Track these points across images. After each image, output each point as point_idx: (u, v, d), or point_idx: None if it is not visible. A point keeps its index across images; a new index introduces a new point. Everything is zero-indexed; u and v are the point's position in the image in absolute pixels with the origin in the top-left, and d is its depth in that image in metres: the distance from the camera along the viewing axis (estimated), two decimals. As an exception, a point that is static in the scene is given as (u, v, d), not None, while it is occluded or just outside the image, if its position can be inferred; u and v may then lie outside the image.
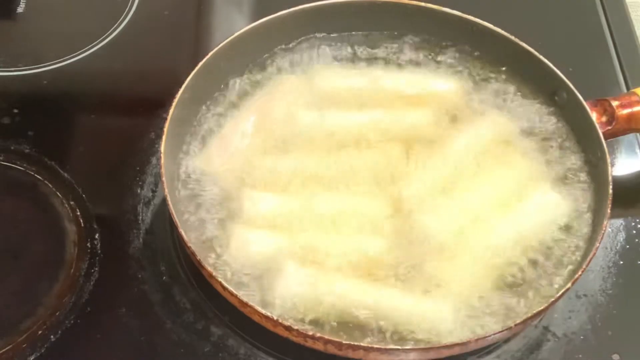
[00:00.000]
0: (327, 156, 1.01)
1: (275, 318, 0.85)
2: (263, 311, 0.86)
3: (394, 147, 1.02)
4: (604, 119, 1.04)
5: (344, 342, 0.85)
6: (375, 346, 0.87)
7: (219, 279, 0.88)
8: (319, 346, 0.87)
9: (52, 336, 0.93)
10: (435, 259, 0.94)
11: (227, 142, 1.02)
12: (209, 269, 0.89)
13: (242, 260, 0.93)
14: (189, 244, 0.90)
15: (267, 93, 1.07)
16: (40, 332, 0.93)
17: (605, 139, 1.01)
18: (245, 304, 0.87)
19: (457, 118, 1.06)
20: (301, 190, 0.98)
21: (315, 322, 0.89)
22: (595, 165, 1.01)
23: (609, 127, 1.04)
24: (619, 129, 1.04)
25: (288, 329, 0.86)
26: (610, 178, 0.97)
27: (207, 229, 0.96)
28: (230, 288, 0.87)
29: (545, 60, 1.07)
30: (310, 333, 0.85)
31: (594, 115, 1.03)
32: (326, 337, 0.85)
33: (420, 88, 1.09)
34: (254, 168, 1.00)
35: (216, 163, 1.00)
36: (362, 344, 0.86)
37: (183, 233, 0.90)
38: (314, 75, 1.09)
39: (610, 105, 1.04)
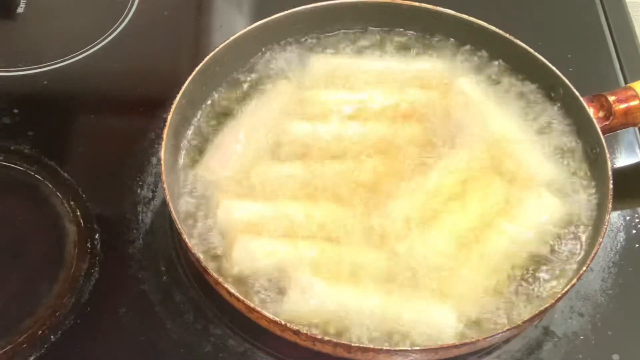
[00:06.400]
0: (320, 167, 1.01)
1: (283, 323, 0.86)
2: (271, 316, 0.86)
3: (385, 159, 1.02)
4: (601, 114, 1.04)
5: (353, 344, 0.86)
6: (385, 347, 0.87)
7: (226, 286, 0.88)
8: (328, 349, 0.87)
9: (52, 336, 0.93)
10: (437, 268, 0.94)
11: (225, 148, 1.02)
12: (215, 275, 0.89)
13: (244, 265, 0.93)
14: (194, 251, 0.90)
15: (263, 97, 1.08)
16: (40, 332, 0.93)
17: (604, 133, 1.01)
18: (253, 310, 0.87)
19: (452, 128, 1.06)
20: (298, 200, 0.98)
21: (319, 327, 0.90)
22: (594, 160, 1.02)
23: (607, 122, 1.04)
24: (617, 123, 1.05)
25: (296, 333, 0.86)
26: (610, 173, 0.97)
27: (209, 234, 0.96)
28: (237, 294, 0.87)
29: (541, 57, 1.07)
30: (319, 336, 0.85)
31: (591, 111, 1.03)
32: (335, 340, 0.86)
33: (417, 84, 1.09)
34: (251, 176, 1.00)
35: (215, 169, 1.01)
36: (371, 345, 0.87)
37: (187, 240, 0.90)
38: (308, 80, 1.09)
39: (607, 100, 1.04)
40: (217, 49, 1.06)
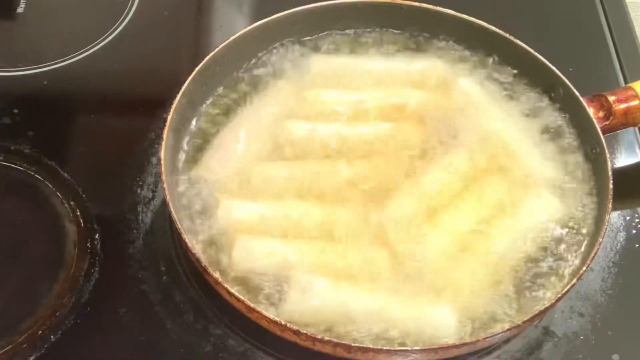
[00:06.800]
0: (320, 167, 1.01)
1: (283, 323, 0.86)
2: (271, 316, 0.86)
3: (385, 159, 1.02)
4: (601, 114, 1.04)
5: (353, 344, 0.86)
6: (385, 347, 0.87)
7: (226, 286, 0.88)
8: (328, 349, 0.87)
9: (52, 336, 0.93)
10: (436, 268, 0.94)
11: (225, 148, 1.02)
12: (215, 275, 0.89)
13: (244, 265, 0.93)
14: (194, 251, 0.90)
15: (263, 97, 1.08)
16: (40, 332, 0.93)
17: (604, 133, 1.01)
18: (253, 310, 0.87)
19: (453, 128, 1.05)
20: (298, 200, 0.98)
21: (319, 327, 0.90)
22: (594, 160, 1.02)
23: (607, 122, 1.04)
24: (617, 123, 1.05)
25: (296, 333, 0.86)
26: (610, 173, 0.97)
27: (209, 234, 0.96)
28: (237, 294, 0.87)
29: (541, 57, 1.07)
30: (319, 336, 0.85)
31: (591, 111, 1.03)
32: (335, 340, 0.86)
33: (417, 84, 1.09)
34: (251, 176, 1.00)
35: (215, 169, 1.01)
36: (371, 345, 0.87)
37: (187, 240, 0.90)
38: (308, 80, 1.09)
39: (607, 100, 1.04)
40: (217, 49, 1.06)
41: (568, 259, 0.96)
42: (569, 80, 1.05)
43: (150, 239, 1.02)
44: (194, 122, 1.05)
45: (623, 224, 1.06)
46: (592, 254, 0.92)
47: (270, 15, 1.10)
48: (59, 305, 0.95)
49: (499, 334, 0.87)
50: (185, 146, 1.03)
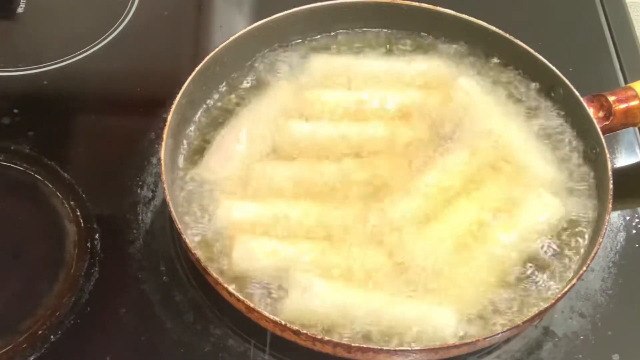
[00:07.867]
0: (320, 167, 1.01)
1: (283, 323, 0.86)
2: (271, 316, 0.86)
3: (385, 159, 1.02)
4: (601, 114, 1.04)
5: (353, 344, 0.86)
6: (385, 348, 0.87)
7: (226, 286, 0.88)
8: (328, 349, 0.87)
9: (52, 336, 0.93)
10: (436, 268, 0.94)
11: (225, 148, 1.02)
12: (215, 275, 0.89)
13: (244, 265, 0.93)
14: (194, 251, 0.90)
15: (263, 97, 1.07)
16: (40, 332, 0.93)
17: (604, 133, 1.01)
18: (253, 310, 0.87)
19: (453, 128, 1.05)
20: (298, 200, 0.98)
21: (319, 327, 0.90)
22: (594, 160, 1.02)
23: (607, 122, 1.04)
24: (617, 123, 1.05)
25: (296, 333, 0.86)
26: (610, 173, 0.97)
27: (209, 234, 0.96)
28: (237, 294, 0.87)
29: (541, 57, 1.07)
30: (319, 337, 0.85)
31: (591, 111, 1.03)
32: (335, 340, 0.86)
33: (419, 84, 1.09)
34: (251, 176, 1.00)
35: (215, 169, 1.01)
36: (371, 345, 0.87)
37: (187, 240, 0.90)
38: (308, 80, 1.09)
39: (607, 100, 1.04)
40: (217, 49, 1.06)
41: (568, 258, 0.96)
42: (569, 80, 1.05)
43: (150, 239, 1.02)
44: (194, 121, 1.05)
45: (623, 224, 1.06)
46: (592, 254, 0.92)
47: (270, 15, 1.10)
48: (59, 305, 0.95)
49: (499, 334, 0.88)
50: (185, 146, 1.03)
